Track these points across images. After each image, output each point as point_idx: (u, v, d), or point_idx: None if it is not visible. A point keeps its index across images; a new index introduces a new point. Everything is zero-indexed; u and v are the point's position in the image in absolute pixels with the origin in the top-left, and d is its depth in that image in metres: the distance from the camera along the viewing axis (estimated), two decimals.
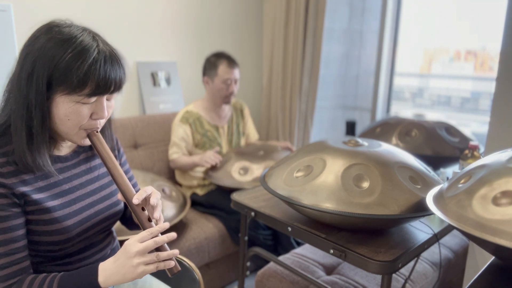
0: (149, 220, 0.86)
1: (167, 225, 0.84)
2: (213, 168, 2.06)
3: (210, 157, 2.00)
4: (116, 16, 2.14)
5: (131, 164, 2.10)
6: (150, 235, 0.80)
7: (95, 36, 0.83)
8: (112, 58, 0.83)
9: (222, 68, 2.07)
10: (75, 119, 0.82)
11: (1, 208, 0.79)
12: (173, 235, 0.83)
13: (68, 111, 0.81)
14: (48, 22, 0.83)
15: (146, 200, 0.88)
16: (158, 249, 0.81)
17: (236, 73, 2.12)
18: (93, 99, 0.82)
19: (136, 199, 0.85)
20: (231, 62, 2.10)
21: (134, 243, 0.79)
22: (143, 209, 0.86)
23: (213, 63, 2.10)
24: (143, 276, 0.79)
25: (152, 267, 0.79)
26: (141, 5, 2.23)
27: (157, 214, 0.88)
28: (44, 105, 0.79)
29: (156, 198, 0.88)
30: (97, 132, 0.88)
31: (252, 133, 2.41)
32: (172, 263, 0.81)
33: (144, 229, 0.83)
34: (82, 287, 0.79)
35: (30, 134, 0.81)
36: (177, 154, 2.11)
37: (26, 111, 0.80)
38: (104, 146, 0.88)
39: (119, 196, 0.90)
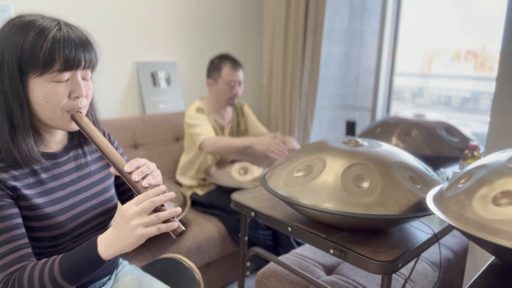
0: (145, 187, 0.83)
1: (163, 187, 0.82)
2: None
3: (277, 147, 1.82)
4: (116, 16, 2.14)
5: None
6: (147, 197, 0.78)
7: (56, 19, 0.85)
8: (76, 33, 0.84)
9: (226, 69, 2.07)
10: (53, 99, 0.83)
11: None
12: (171, 194, 0.81)
13: (45, 92, 0.82)
14: (11, 17, 0.86)
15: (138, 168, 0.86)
16: (157, 210, 0.78)
17: (240, 74, 2.11)
18: (66, 75, 0.83)
19: (127, 167, 0.84)
20: (235, 63, 2.09)
21: (130, 205, 0.78)
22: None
23: (217, 65, 2.09)
24: (144, 239, 0.77)
25: (153, 229, 0.76)
26: (141, 5, 2.23)
27: (150, 179, 0.84)
28: (19, 91, 0.81)
29: (148, 168, 0.86)
30: (80, 113, 0.88)
31: (259, 127, 2.35)
32: (175, 224, 0.78)
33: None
34: (84, 261, 0.78)
35: (12, 125, 0.82)
36: (208, 135, 1.97)
37: (4, 102, 0.81)
38: (89, 125, 0.88)
39: (112, 170, 0.88)
